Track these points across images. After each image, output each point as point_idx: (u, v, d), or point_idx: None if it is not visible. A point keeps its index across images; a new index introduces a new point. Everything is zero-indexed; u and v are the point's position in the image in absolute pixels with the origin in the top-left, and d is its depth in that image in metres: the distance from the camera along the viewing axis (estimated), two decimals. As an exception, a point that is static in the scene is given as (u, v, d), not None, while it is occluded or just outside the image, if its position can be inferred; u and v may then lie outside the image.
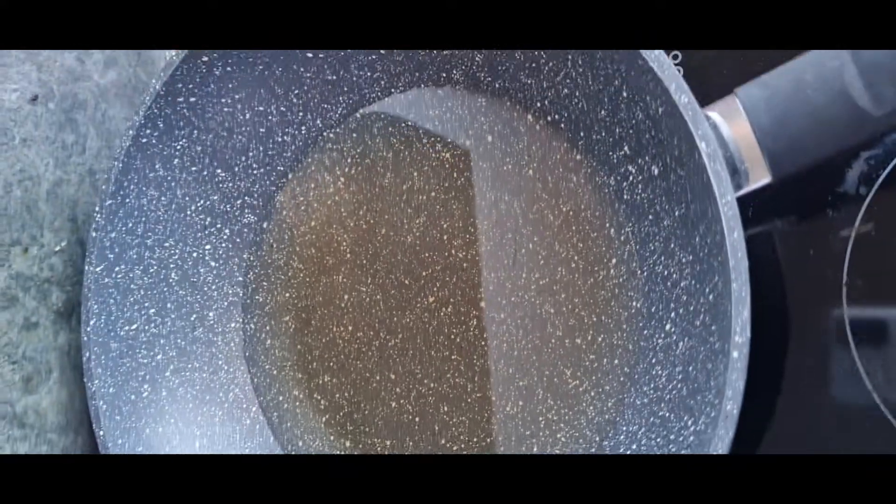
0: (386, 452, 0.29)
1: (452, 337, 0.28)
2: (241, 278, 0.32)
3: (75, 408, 0.31)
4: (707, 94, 0.26)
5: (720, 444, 0.20)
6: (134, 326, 0.30)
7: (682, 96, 0.21)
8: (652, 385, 0.24)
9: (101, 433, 0.28)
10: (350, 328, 0.30)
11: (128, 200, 0.30)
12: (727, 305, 0.20)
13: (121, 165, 0.29)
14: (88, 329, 0.29)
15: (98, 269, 0.29)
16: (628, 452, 0.25)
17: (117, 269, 0.30)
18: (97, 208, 0.29)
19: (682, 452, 0.22)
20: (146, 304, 0.30)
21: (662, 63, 0.21)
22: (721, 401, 0.20)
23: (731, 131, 0.22)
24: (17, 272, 0.30)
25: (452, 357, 0.28)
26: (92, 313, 0.29)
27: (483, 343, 0.28)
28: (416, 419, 0.29)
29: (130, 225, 0.30)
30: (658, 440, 0.24)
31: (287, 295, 0.31)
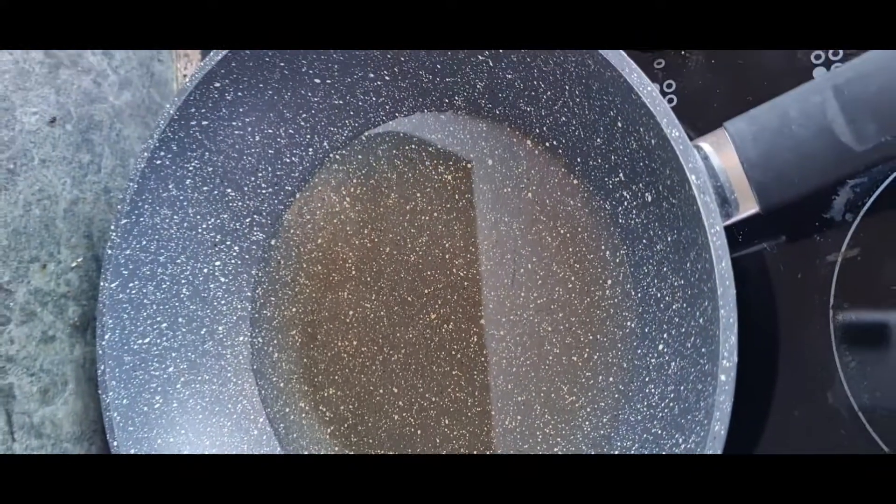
0: (389, 464, 0.30)
1: (453, 353, 0.29)
2: (249, 294, 0.33)
3: (90, 418, 0.32)
4: (700, 121, 0.27)
5: (707, 462, 0.21)
6: (147, 340, 0.31)
7: (674, 130, 0.22)
8: (645, 403, 0.25)
9: (115, 443, 0.30)
10: (355, 343, 0.31)
11: (142, 219, 0.31)
12: (716, 330, 0.21)
13: (136, 186, 0.30)
14: (103, 343, 0.30)
15: (113, 284, 0.30)
16: (622, 467, 0.25)
17: (131, 284, 0.31)
18: (113, 227, 0.30)
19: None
20: (158, 319, 0.32)
21: (654, 98, 0.22)
22: (710, 421, 0.21)
23: (721, 162, 0.23)
24: (35, 288, 0.31)
25: (453, 372, 0.29)
26: (107, 327, 0.30)
27: (483, 359, 0.29)
28: (418, 432, 0.30)
29: (144, 242, 0.31)
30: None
31: (294, 310, 0.32)
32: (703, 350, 0.23)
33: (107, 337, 0.30)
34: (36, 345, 0.31)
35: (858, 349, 0.25)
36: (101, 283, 0.30)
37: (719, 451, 0.21)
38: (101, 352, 0.30)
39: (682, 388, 0.24)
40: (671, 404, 0.24)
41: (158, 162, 0.31)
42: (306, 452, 0.31)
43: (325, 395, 0.32)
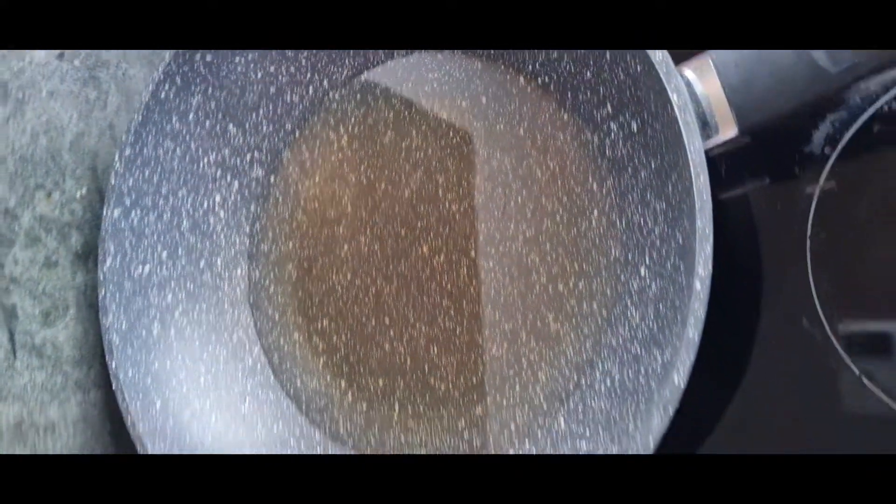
0: (378, 391, 0.31)
1: (444, 284, 0.30)
2: (247, 228, 0.34)
3: (89, 343, 0.33)
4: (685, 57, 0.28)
5: (682, 369, 0.22)
6: (146, 268, 0.32)
7: (658, 54, 0.23)
8: (626, 325, 0.26)
9: (114, 364, 0.30)
10: (349, 276, 0.32)
11: (145, 150, 0.32)
12: (693, 243, 0.22)
13: (140, 118, 0.31)
14: (105, 268, 0.31)
15: (115, 213, 0.31)
16: (602, 388, 0.26)
17: (133, 213, 0.32)
18: (117, 156, 0.31)
19: (651, 384, 0.24)
20: (159, 248, 0.32)
21: (640, 21, 0.23)
22: (685, 329, 0.22)
23: (703, 88, 0.24)
24: (40, 214, 0.32)
25: (443, 302, 0.30)
26: (108, 254, 0.31)
27: (472, 289, 0.30)
28: (408, 360, 0.31)
29: (147, 173, 0.32)
30: (630, 374, 0.25)
31: (290, 245, 0.33)
32: (681, 268, 0.24)
33: (108, 263, 0.31)
34: (39, 269, 0.32)
35: (833, 275, 0.25)
36: (104, 211, 0.31)
37: (692, 357, 0.22)
38: (102, 277, 0.31)
39: (660, 305, 0.25)
40: (650, 323, 0.25)
41: (163, 95, 0.32)
42: (298, 381, 0.32)
43: (319, 326, 0.32)
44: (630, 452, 0.23)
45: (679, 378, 0.22)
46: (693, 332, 0.22)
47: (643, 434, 0.22)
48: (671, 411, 0.22)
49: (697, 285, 0.22)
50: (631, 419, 0.24)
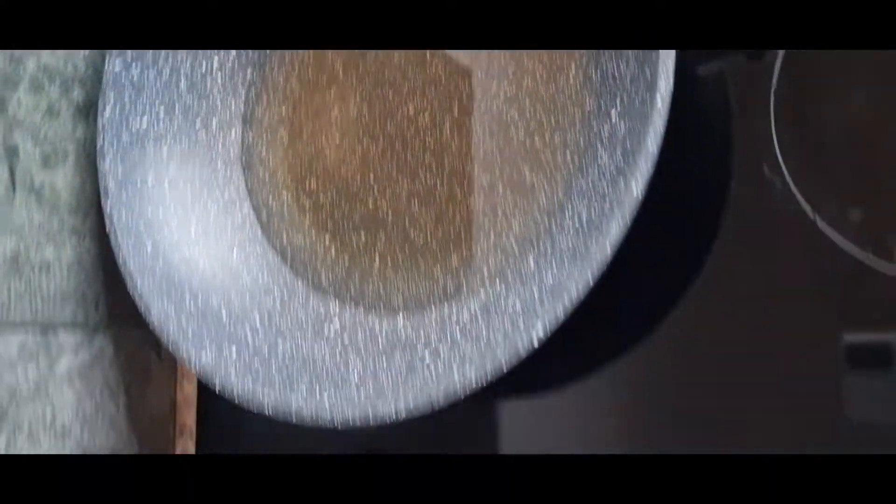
0: (360, 245, 0.32)
1: (427, 141, 0.32)
2: (243, 94, 0.35)
3: (87, 193, 0.34)
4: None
5: (640, 179, 0.23)
6: (144, 122, 0.34)
7: None
8: (595, 168, 0.27)
9: (108, 206, 0.32)
10: (337, 138, 0.33)
11: (147, 8, 0.33)
12: (657, 68, 0.24)
13: (143, -24, 0.33)
14: (104, 118, 0.33)
15: (116, 65, 0.33)
16: (571, 228, 0.28)
17: (133, 67, 0.33)
18: (120, 11, 0.33)
19: (615, 212, 0.25)
20: (157, 104, 0.34)
21: None
22: (644, 141, 0.23)
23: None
24: (44, 64, 0.33)
25: (426, 158, 0.31)
26: (108, 103, 0.33)
27: (454, 146, 0.31)
28: (389, 214, 0.32)
29: (148, 31, 0.33)
30: (596, 210, 0.27)
31: (283, 110, 0.35)
32: (647, 101, 0.25)
33: (107, 113, 0.33)
34: (41, 116, 0.33)
35: (793, 126, 0.27)
36: (105, 63, 0.33)
37: (650, 167, 0.23)
38: (101, 125, 0.33)
39: (627, 143, 0.26)
40: (618, 159, 0.26)
41: (166, -44, 0.33)
42: (285, 235, 0.34)
43: (307, 186, 0.34)
44: (587, 268, 0.24)
45: (637, 188, 0.23)
46: (652, 144, 0.23)
47: (601, 245, 0.24)
48: (629, 219, 0.23)
49: (658, 101, 0.23)
50: (595, 245, 0.25)
